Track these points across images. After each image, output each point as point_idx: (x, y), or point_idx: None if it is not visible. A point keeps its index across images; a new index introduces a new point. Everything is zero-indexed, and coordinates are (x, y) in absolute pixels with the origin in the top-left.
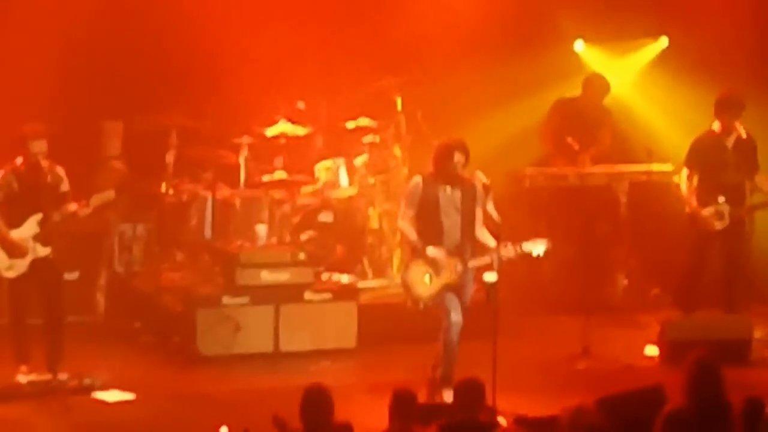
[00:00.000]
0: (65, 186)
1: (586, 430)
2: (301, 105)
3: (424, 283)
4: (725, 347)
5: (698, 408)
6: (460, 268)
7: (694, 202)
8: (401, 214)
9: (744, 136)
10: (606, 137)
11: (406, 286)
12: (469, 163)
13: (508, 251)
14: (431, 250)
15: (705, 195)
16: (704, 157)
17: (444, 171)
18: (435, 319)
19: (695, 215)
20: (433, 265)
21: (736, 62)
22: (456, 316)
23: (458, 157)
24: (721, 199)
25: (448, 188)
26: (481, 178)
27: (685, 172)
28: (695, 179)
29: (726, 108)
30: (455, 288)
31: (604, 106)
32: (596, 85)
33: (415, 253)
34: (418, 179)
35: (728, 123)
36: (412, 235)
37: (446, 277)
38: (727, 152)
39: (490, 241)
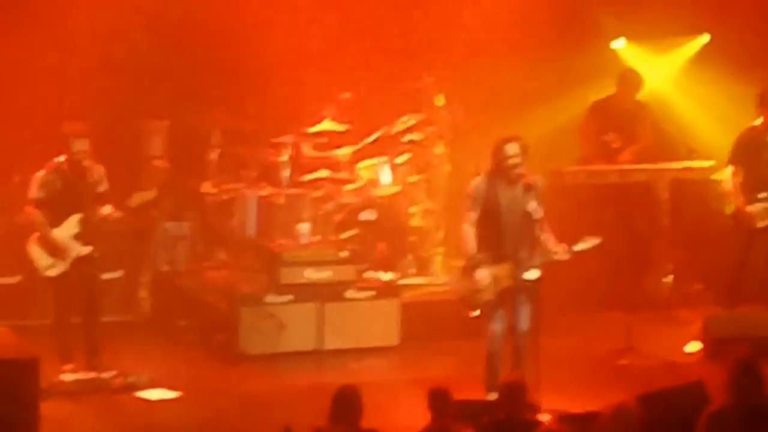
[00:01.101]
0: (104, 186)
1: (627, 426)
2: (346, 95)
3: (476, 292)
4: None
5: (740, 407)
6: (515, 273)
7: (740, 199)
8: (464, 217)
9: None
10: (646, 132)
11: (457, 294)
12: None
13: (562, 254)
14: (480, 273)
15: (748, 192)
16: (747, 153)
17: (502, 168)
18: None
19: (740, 212)
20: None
21: None
22: (498, 327)
23: (515, 154)
24: (763, 195)
25: (508, 187)
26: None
27: (730, 169)
28: (740, 176)
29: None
30: (510, 292)
31: (639, 101)
32: (630, 80)
33: (468, 264)
34: (479, 179)
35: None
36: (472, 246)
37: (496, 287)
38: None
39: (548, 241)
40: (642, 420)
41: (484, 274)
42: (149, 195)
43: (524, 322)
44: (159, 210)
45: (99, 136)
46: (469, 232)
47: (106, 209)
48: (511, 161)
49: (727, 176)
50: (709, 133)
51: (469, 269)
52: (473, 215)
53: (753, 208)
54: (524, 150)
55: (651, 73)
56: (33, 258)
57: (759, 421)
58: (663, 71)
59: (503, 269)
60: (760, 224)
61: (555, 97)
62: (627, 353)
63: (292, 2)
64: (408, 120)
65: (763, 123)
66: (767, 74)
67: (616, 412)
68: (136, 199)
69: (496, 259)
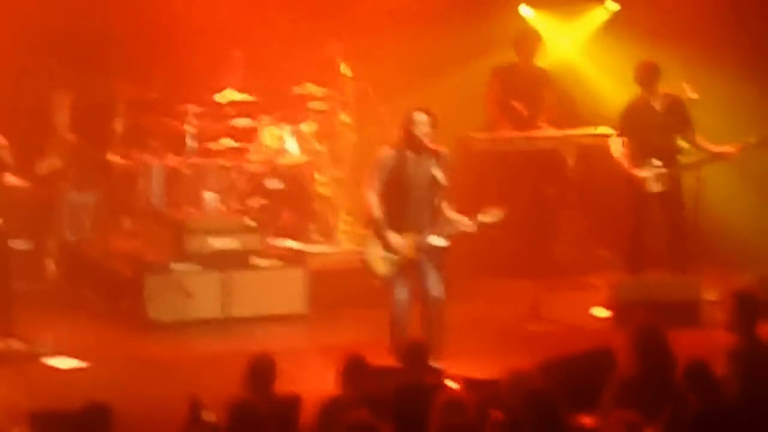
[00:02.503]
0: (7, 156)
1: (526, 394)
2: (238, 53)
3: (381, 260)
4: (674, 308)
5: (645, 373)
6: (418, 243)
7: (626, 164)
8: (369, 185)
9: (674, 97)
10: (551, 99)
11: (364, 261)
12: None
13: (466, 225)
14: (392, 237)
15: (638, 158)
16: (634, 122)
17: (411, 138)
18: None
19: (630, 177)
20: (391, 246)
21: (686, 27)
22: (401, 295)
23: (424, 123)
24: (655, 161)
25: (416, 157)
26: None
27: (618, 139)
28: (629, 145)
29: (644, 78)
30: (414, 262)
31: (542, 68)
32: (526, 40)
33: (374, 231)
34: (387, 149)
35: (651, 89)
36: (377, 211)
37: (403, 255)
38: (656, 115)
39: (451, 213)
40: (541, 388)
41: (394, 237)
42: (55, 163)
43: (435, 288)
44: (65, 180)
45: (3, 107)
46: (373, 199)
47: (10, 179)
48: (421, 131)
49: (615, 146)
50: (615, 100)
51: (374, 236)
52: (378, 184)
53: (644, 173)
54: (433, 120)
55: (559, 39)
56: None
57: (663, 385)
58: (571, 38)
59: (407, 238)
60: (654, 189)
61: (463, 64)
62: (534, 319)
63: None
64: (312, 87)
65: (647, 93)
66: (674, 42)
67: (514, 380)
68: (42, 167)
69: (400, 228)
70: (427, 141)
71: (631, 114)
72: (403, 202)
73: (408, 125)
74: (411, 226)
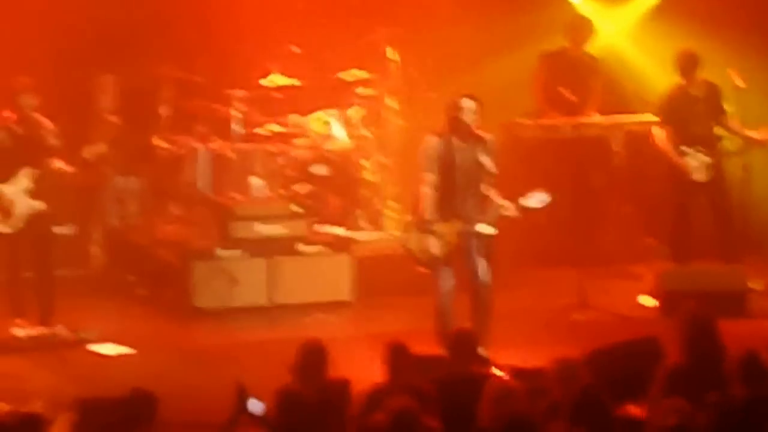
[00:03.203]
0: (54, 140)
1: (573, 383)
2: (295, 50)
3: (427, 248)
4: (720, 298)
5: (694, 362)
6: (465, 230)
7: (670, 153)
8: (422, 176)
9: (711, 84)
10: (599, 85)
11: (409, 250)
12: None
13: (509, 209)
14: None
15: (681, 146)
16: (675, 109)
17: (457, 125)
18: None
19: (674, 166)
20: (437, 235)
21: (733, 14)
22: (446, 284)
23: (470, 110)
24: (698, 150)
25: (463, 144)
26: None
27: (658, 126)
28: (668, 131)
29: (683, 66)
30: (461, 248)
31: (591, 54)
32: (578, 27)
33: (423, 223)
34: (432, 138)
35: (690, 77)
36: (428, 209)
37: (448, 243)
38: (696, 102)
39: (495, 197)
40: (588, 377)
41: (432, 240)
42: (101, 148)
43: (484, 274)
44: (110, 165)
45: (49, 91)
46: (428, 195)
47: (57, 163)
48: (466, 117)
49: (659, 135)
50: (663, 87)
51: (422, 229)
52: (431, 176)
53: (689, 162)
54: (479, 106)
55: (606, 25)
56: None
57: (712, 375)
58: (618, 24)
59: (453, 226)
60: (699, 178)
61: (510, 50)
62: (580, 308)
63: None
64: (359, 73)
65: (686, 81)
66: (721, 28)
67: (561, 369)
68: (88, 151)
69: (447, 216)
70: (473, 127)
71: (671, 103)
72: (450, 189)
73: (454, 111)
74: (458, 213)
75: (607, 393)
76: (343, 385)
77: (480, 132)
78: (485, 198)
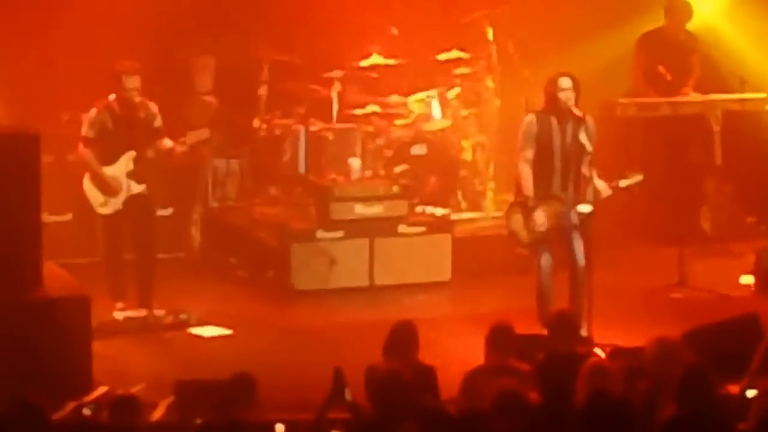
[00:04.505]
0: (158, 122)
1: (672, 362)
2: (394, 31)
3: (527, 229)
4: None
5: None
6: (564, 211)
7: None
8: (521, 156)
9: None
10: (698, 64)
11: (510, 230)
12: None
13: (606, 189)
14: (536, 214)
15: None
16: None
17: (555, 103)
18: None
19: None
20: (538, 216)
21: None
22: (546, 263)
23: (568, 88)
24: None
25: (561, 123)
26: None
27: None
28: None
29: None
30: (560, 228)
31: (690, 32)
32: (678, 9)
33: (521, 204)
34: (531, 116)
35: None
36: (528, 186)
37: (549, 224)
38: None
39: (594, 178)
40: (686, 355)
41: (539, 215)
42: (204, 134)
43: (580, 257)
44: (209, 146)
45: (148, 73)
46: (526, 172)
47: (167, 143)
48: (564, 95)
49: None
50: (761, 65)
51: (523, 208)
52: (529, 153)
53: None
54: (576, 85)
55: (702, 4)
56: (87, 196)
57: None
58: (715, 2)
59: (552, 206)
60: None
61: (607, 29)
62: (680, 287)
63: None
64: (458, 53)
65: None
66: None
67: (659, 347)
68: (192, 137)
69: (546, 196)
70: (571, 106)
71: None
72: (549, 169)
73: (552, 90)
74: (556, 194)
75: (710, 371)
76: (430, 372)
77: (578, 111)
78: (584, 178)
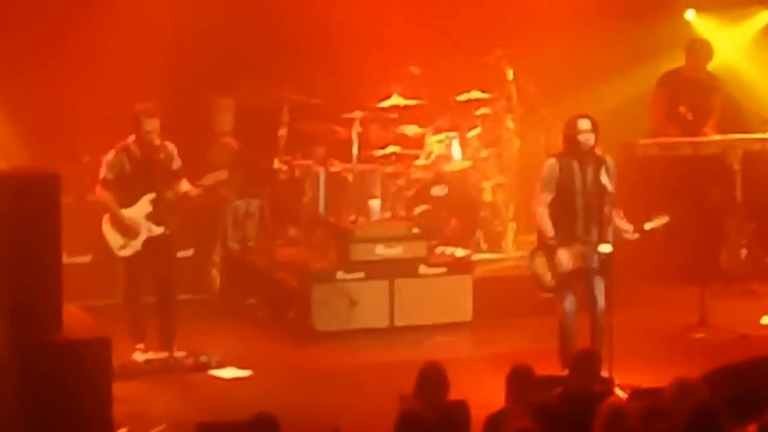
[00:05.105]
0: (177, 163)
1: (690, 401)
2: (415, 71)
3: (552, 272)
4: None
5: None
6: (586, 253)
7: None
8: (538, 199)
9: None
10: (718, 104)
11: (533, 274)
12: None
13: (632, 234)
14: (561, 252)
15: None
16: None
17: (575, 145)
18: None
19: None
20: (561, 261)
21: None
22: (569, 306)
23: (587, 129)
24: None
25: (581, 165)
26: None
27: None
28: None
29: None
30: (582, 271)
31: (711, 72)
32: (699, 49)
33: (544, 247)
34: (552, 160)
35: None
36: (548, 229)
37: (572, 268)
38: None
39: (617, 220)
40: (705, 397)
41: (563, 254)
42: (222, 175)
43: (601, 300)
44: (229, 187)
45: (167, 114)
46: (544, 215)
47: (184, 185)
48: (583, 137)
49: None
50: None
51: (544, 251)
52: (547, 196)
53: None
54: (596, 126)
55: (722, 43)
56: (107, 238)
57: None
58: (734, 42)
59: (575, 249)
60: None
61: (626, 69)
62: (701, 327)
63: None
64: (478, 94)
65: None
66: None
67: (678, 386)
68: (210, 179)
69: (569, 238)
70: (591, 148)
71: None
72: (571, 212)
73: (572, 133)
74: (579, 236)
75: (726, 412)
76: (462, 407)
77: (599, 152)
78: (606, 219)
